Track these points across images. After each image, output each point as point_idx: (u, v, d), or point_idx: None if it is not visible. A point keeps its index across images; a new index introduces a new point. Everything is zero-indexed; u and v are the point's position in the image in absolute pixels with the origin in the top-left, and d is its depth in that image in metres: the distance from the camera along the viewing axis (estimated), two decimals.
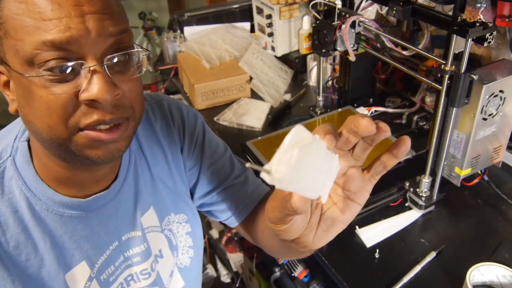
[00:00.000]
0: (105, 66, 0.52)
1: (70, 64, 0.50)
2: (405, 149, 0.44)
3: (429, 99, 1.27)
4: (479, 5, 0.97)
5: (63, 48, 0.49)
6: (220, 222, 0.87)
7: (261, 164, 1.06)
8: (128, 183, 0.69)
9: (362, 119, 0.40)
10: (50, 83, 0.50)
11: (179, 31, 1.69)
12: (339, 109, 1.26)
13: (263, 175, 0.35)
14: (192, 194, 0.82)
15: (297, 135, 0.36)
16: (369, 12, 1.27)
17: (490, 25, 0.79)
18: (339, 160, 0.43)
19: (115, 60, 0.53)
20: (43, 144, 0.57)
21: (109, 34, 0.51)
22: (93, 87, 0.51)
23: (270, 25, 1.54)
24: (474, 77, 0.83)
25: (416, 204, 0.98)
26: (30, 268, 0.61)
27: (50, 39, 0.48)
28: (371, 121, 0.40)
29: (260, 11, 1.58)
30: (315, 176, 0.39)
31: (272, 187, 0.85)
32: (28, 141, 0.62)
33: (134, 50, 0.55)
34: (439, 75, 0.87)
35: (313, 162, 0.38)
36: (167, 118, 0.77)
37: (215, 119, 1.33)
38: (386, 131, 0.42)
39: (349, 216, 0.48)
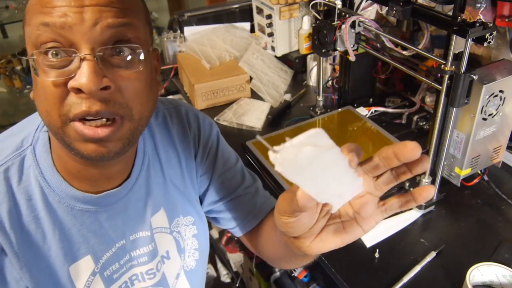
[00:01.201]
0: (98, 56, 0.51)
1: (62, 48, 0.51)
2: (426, 197, 0.44)
3: (429, 99, 1.27)
4: (479, 5, 0.97)
5: (59, 33, 0.50)
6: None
7: (261, 164, 1.06)
8: (140, 183, 0.70)
9: (410, 142, 0.40)
10: (47, 68, 0.52)
11: (179, 31, 1.69)
12: (339, 109, 1.26)
13: (270, 153, 0.36)
14: (201, 201, 0.83)
15: (315, 137, 0.36)
16: (369, 12, 1.27)
17: (490, 25, 0.79)
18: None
19: (107, 50, 0.52)
20: (50, 133, 0.58)
21: (107, 26, 0.51)
22: (80, 76, 0.51)
23: (270, 25, 1.54)
24: (474, 77, 0.83)
25: None
26: (38, 256, 0.62)
27: (47, 21, 0.50)
28: (418, 146, 0.40)
29: (260, 11, 1.58)
30: (327, 182, 0.40)
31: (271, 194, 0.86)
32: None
33: (134, 45, 0.54)
34: (439, 75, 0.87)
35: (329, 168, 0.38)
36: (184, 124, 0.77)
37: (215, 119, 1.33)
38: (426, 163, 0.42)
39: (349, 238, 0.49)
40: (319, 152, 0.36)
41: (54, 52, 0.51)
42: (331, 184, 0.40)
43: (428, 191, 0.43)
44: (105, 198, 0.65)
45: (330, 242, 0.49)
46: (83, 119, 0.53)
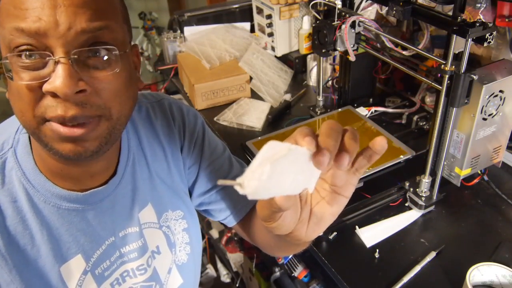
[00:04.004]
0: (73, 59, 0.51)
1: (37, 52, 0.51)
2: (381, 146, 0.45)
3: (429, 99, 1.27)
4: (479, 5, 0.97)
5: (33, 38, 0.50)
6: (219, 222, 0.87)
7: None
8: (126, 179, 0.70)
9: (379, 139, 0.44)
10: (21, 70, 0.51)
11: (179, 31, 1.69)
12: (339, 109, 1.26)
13: (236, 187, 0.37)
14: (191, 193, 0.83)
15: (269, 150, 0.37)
16: (369, 12, 1.27)
17: (490, 25, 0.79)
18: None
19: (81, 54, 0.52)
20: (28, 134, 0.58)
21: (81, 30, 0.51)
22: (55, 79, 0.50)
23: (270, 25, 1.54)
24: (474, 77, 0.83)
25: (416, 204, 0.98)
26: (27, 258, 0.61)
27: (21, 26, 0.50)
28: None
29: (260, 11, 1.58)
30: (294, 177, 0.41)
31: None
32: None
33: (110, 47, 0.54)
34: (439, 75, 0.87)
35: (291, 167, 0.40)
36: (168, 117, 0.77)
37: (215, 119, 1.33)
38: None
39: (337, 209, 0.50)
40: (280, 161, 0.38)
41: (28, 53, 0.50)
42: (300, 176, 0.42)
43: (380, 141, 0.45)
44: (91, 196, 0.65)
45: (323, 221, 0.50)
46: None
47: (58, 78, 0.50)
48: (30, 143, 0.63)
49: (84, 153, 0.55)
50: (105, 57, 0.54)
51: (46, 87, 0.51)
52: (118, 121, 0.58)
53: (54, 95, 0.51)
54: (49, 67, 0.51)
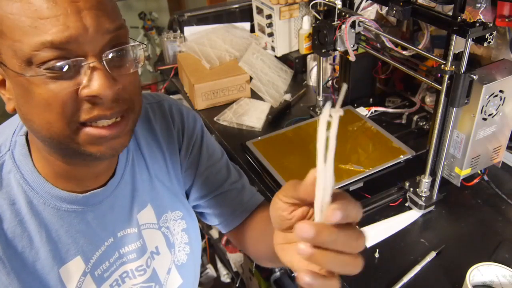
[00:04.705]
0: (104, 62, 0.52)
1: (69, 61, 0.50)
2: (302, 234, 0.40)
3: (429, 99, 1.27)
4: (479, 5, 0.97)
5: (63, 48, 0.49)
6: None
7: (261, 164, 1.06)
8: (125, 180, 0.70)
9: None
10: (50, 80, 0.50)
11: (179, 31, 1.69)
12: None
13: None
14: (188, 196, 0.83)
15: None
16: (369, 12, 1.27)
17: (490, 25, 0.79)
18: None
19: (111, 55, 0.53)
20: (43, 142, 0.57)
21: (106, 31, 0.52)
22: (94, 83, 0.51)
23: (270, 25, 1.54)
24: (474, 77, 0.83)
25: (416, 204, 0.98)
26: (25, 261, 0.61)
27: (49, 40, 0.48)
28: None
29: (260, 11, 1.58)
30: None
31: (267, 198, 0.86)
32: (26, 135, 0.63)
33: (131, 44, 0.56)
34: (439, 75, 0.87)
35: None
36: (167, 119, 0.77)
37: (215, 119, 1.33)
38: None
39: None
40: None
41: (58, 65, 0.49)
42: None
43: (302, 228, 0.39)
44: (91, 198, 0.65)
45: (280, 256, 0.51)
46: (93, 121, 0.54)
47: (96, 82, 0.51)
48: (28, 145, 0.63)
49: (121, 148, 0.58)
50: (131, 56, 0.56)
51: (85, 92, 0.51)
52: (138, 112, 0.60)
53: (93, 98, 0.52)
54: (84, 72, 0.51)
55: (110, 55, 0.53)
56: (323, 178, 0.38)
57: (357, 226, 0.41)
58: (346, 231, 0.39)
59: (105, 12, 0.52)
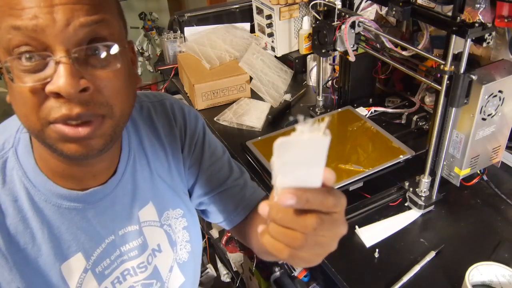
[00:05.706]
0: (73, 58, 0.50)
1: (37, 53, 0.50)
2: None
3: (428, 99, 1.27)
4: (478, 5, 0.98)
5: (32, 37, 0.49)
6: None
7: (261, 164, 1.06)
8: (126, 178, 0.70)
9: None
10: (23, 73, 0.51)
11: (179, 32, 1.70)
12: (339, 109, 1.26)
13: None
14: (190, 194, 0.83)
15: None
16: (368, 13, 1.27)
17: (489, 25, 0.79)
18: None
19: (82, 52, 0.51)
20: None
21: (80, 25, 0.50)
22: (57, 79, 0.50)
23: (270, 25, 1.54)
24: (473, 77, 0.83)
25: (415, 204, 0.98)
26: (28, 257, 0.62)
27: (18, 24, 0.49)
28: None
29: (260, 11, 1.58)
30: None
31: (268, 192, 0.86)
32: None
33: (103, 44, 0.53)
34: (438, 75, 0.87)
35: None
36: (169, 117, 0.78)
37: (215, 119, 1.34)
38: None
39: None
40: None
41: (27, 56, 0.50)
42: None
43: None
44: (91, 195, 0.65)
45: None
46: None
47: (60, 78, 0.49)
48: (31, 142, 0.63)
49: (90, 152, 0.55)
50: (105, 55, 0.53)
51: (49, 88, 0.50)
52: (121, 118, 0.58)
53: (57, 96, 0.51)
54: (50, 68, 0.51)
55: (80, 52, 0.51)
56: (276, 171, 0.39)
57: (336, 218, 0.42)
58: (301, 213, 0.41)
59: (82, 6, 0.50)
